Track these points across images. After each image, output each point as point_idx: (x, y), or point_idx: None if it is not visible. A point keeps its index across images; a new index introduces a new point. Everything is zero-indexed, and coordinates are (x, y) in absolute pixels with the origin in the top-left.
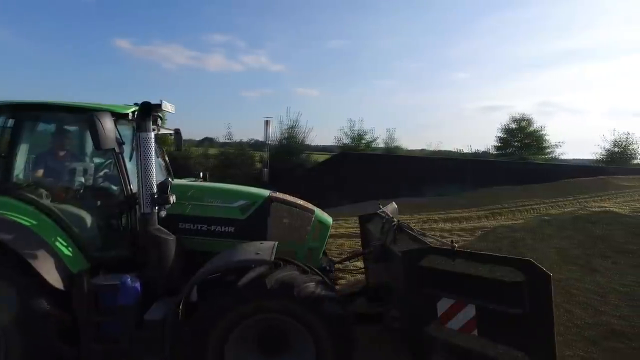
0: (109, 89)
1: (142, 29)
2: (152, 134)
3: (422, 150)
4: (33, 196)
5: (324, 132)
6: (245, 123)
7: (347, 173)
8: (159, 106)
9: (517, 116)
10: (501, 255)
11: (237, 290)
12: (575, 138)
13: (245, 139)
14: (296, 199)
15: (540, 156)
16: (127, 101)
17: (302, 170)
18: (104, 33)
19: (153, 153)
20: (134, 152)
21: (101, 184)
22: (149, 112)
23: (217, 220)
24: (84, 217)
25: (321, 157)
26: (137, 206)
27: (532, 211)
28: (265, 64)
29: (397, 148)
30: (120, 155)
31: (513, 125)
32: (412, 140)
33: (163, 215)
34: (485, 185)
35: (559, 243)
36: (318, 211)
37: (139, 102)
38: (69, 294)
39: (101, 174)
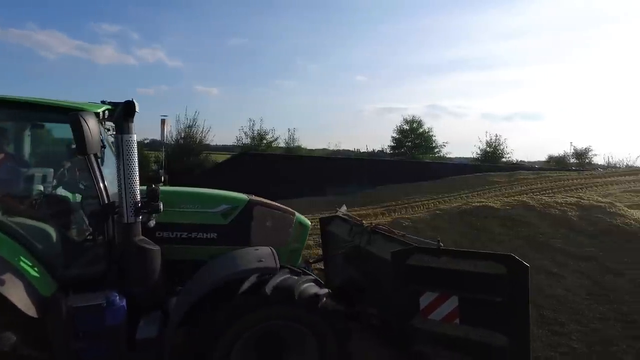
0: None
1: (11, 10)
2: (135, 136)
3: (323, 149)
4: None
5: (224, 131)
6: (140, 122)
7: (247, 173)
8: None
9: (409, 118)
10: (483, 251)
11: (264, 296)
12: (457, 139)
13: (139, 139)
14: (273, 202)
15: (429, 155)
16: None
17: (201, 170)
18: None
19: (136, 157)
20: (105, 156)
21: (66, 192)
22: (132, 112)
23: (198, 226)
24: (49, 230)
25: (221, 157)
26: (115, 216)
27: (423, 207)
28: (161, 59)
29: (299, 148)
30: (97, 160)
31: (406, 127)
32: (312, 140)
33: (152, 225)
34: (382, 183)
35: (451, 235)
36: (297, 213)
37: (104, 100)
38: (43, 322)
39: (64, 180)
